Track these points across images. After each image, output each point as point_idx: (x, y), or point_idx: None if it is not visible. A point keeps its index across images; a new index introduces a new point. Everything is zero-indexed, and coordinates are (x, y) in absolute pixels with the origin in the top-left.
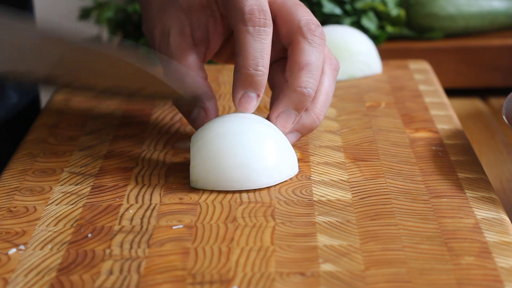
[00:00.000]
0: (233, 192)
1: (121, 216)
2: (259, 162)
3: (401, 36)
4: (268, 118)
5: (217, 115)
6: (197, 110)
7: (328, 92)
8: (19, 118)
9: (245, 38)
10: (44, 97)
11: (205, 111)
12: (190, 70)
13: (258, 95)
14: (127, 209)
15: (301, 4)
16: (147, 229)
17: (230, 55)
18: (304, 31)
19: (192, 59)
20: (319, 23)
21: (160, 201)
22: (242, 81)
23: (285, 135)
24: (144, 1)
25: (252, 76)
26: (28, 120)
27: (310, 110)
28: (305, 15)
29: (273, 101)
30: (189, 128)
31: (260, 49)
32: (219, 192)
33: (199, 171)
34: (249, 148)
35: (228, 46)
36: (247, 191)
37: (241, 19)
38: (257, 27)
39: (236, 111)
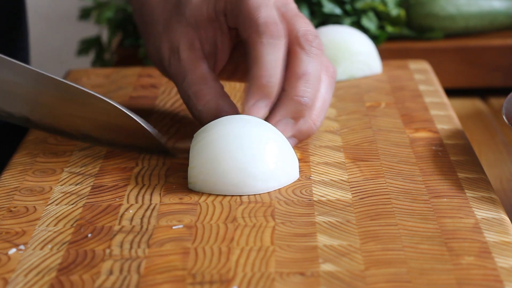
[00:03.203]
0: None
1: (121, 216)
2: (257, 167)
3: (401, 36)
4: None
5: None
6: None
7: (325, 99)
8: None
9: (260, 50)
10: None
11: None
12: (205, 83)
13: (269, 104)
14: (127, 209)
15: (301, 15)
16: (147, 229)
17: (232, 72)
18: (302, 41)
19: (205, 71)
20: (317, 34)
21: (160, 201)
22: (255, 90)
23: None
24: (148, 21)
25: (266, 87)
26: None
27: (307, 116)
28: (303, 26)
29: (271, 109)
30: (189, 128)
31: (274, 61)
32: None
33: (197, 173)
34: (248, 152)
35: (230, 64)
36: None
37: (256, 31)
38: (271, 40)
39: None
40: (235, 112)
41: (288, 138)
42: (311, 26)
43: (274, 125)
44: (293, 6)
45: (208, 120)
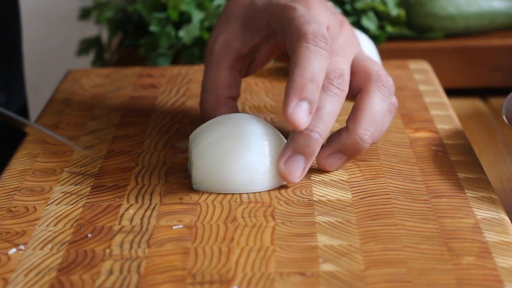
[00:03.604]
0: None
1: (121, 216)
2: (264, 164)
3: (401, 36)
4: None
5: None
6: None
7: (374, 111)
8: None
9: (304, 54)
10: (32, 98)
11: None
12: (218, 87)
13: (310, 112)
14: (127, 209)
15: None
16: (147, 229)
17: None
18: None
19: (223, 76)
20: (342, 72)
21: (160, 201)
22: (295, 90)
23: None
24: (225, 7)
25: (307, 86)
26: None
27: (350, 130)
28: (331, 65)
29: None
30: (189, 128)
31: (317, 66)
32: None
33: (203, 173)
34: (253, 150)
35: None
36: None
37: (303, 38)
38: (317, 47)
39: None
40: None
41: (332, 154)
42: (341, 64)
43: (284, 165)
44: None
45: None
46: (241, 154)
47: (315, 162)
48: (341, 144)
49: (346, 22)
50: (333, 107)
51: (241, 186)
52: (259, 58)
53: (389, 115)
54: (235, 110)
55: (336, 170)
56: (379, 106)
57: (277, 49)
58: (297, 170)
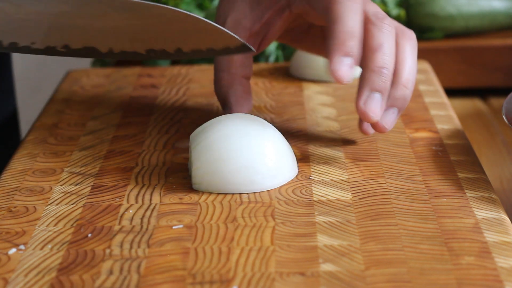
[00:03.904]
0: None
1: (121, 216)
2: (264, 164)
3: None
4: (356, 107)
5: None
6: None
7: (410, 63)
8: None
9: (340, 10)
10: (33, 98)
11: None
12: (229, 67)
13: (353, 65)
14: (127, 209)
15: (370, 1)
16: (147, 229)
17: (309, 48)
18: (373, 20)
19: (237, 55)
20: (385, 14)
21: (160, 201)
22: (337, 46)
23: (379, 118)
24: None
25: (347, 43)
26: (10, 124)
27: (396, 82)
28: (372, 8)
29: (358, 89)
30: (189, 128)
31: (356, 20)
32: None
33: (202, 173)
34: (253, 150)
35: (306, 41)
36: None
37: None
38: (350, 3)
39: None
40: (240, 106)
41: (387, 110)
42: (379, 8)
43: (364, 103)
44: None
45: (221, 100)
46: (241, 154)
47: (315, 162)
48: (391, 98)
49: None
50: (390, 43)
51: (241, 186)
52: (270, 33)
53: (407, 46)
54: (248, 89)
55: (379, 111)
56: (413, 59)
57: (290, 20)
58: (377, 107)
